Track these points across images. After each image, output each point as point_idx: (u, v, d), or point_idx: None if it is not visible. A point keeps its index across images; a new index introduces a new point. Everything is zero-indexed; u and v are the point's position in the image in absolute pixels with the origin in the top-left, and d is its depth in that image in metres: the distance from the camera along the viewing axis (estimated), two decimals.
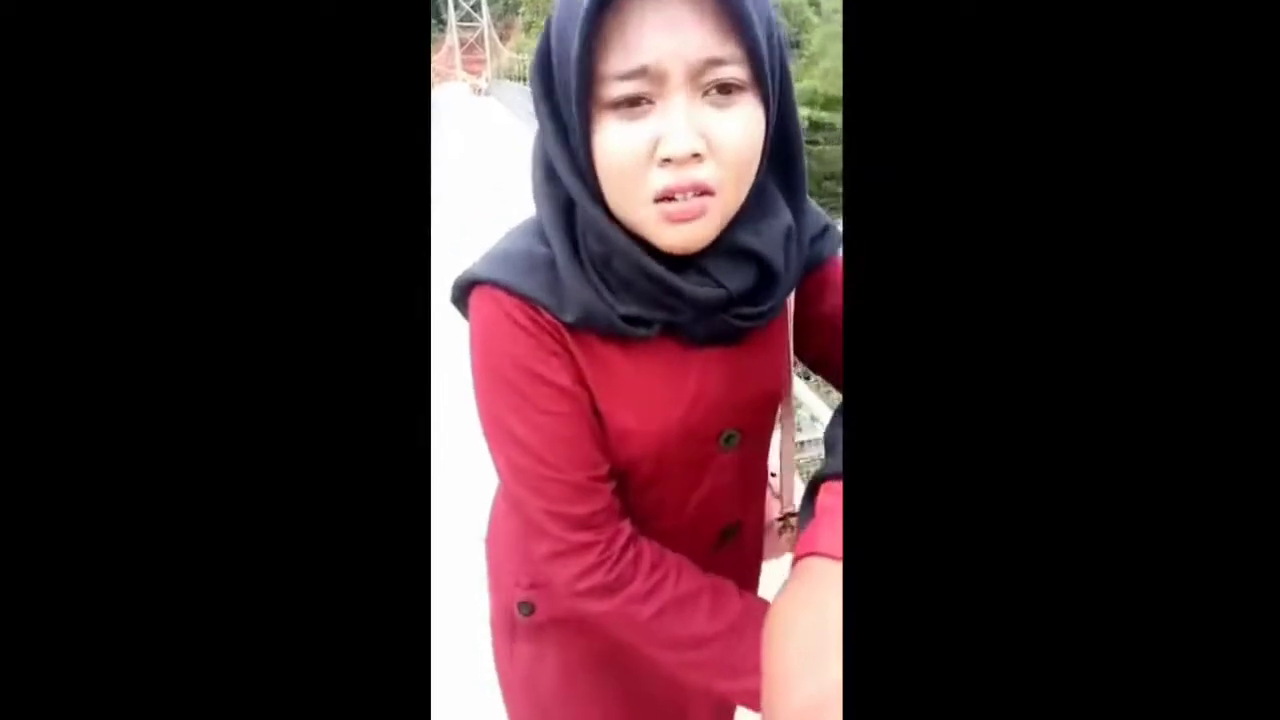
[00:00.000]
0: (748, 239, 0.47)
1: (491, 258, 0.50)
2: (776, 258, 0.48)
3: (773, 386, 0.55)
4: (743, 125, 0.41)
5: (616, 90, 0.40)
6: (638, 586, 0.51)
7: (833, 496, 0.37)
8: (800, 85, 9.50)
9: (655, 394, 0.51)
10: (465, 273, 0.50)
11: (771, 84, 0.42)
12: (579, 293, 0.47)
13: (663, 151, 0.40)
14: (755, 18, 0.39)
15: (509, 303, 0.48)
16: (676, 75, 0.40)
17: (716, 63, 0.40)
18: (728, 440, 0.55)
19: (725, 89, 0.41)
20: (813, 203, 0.56)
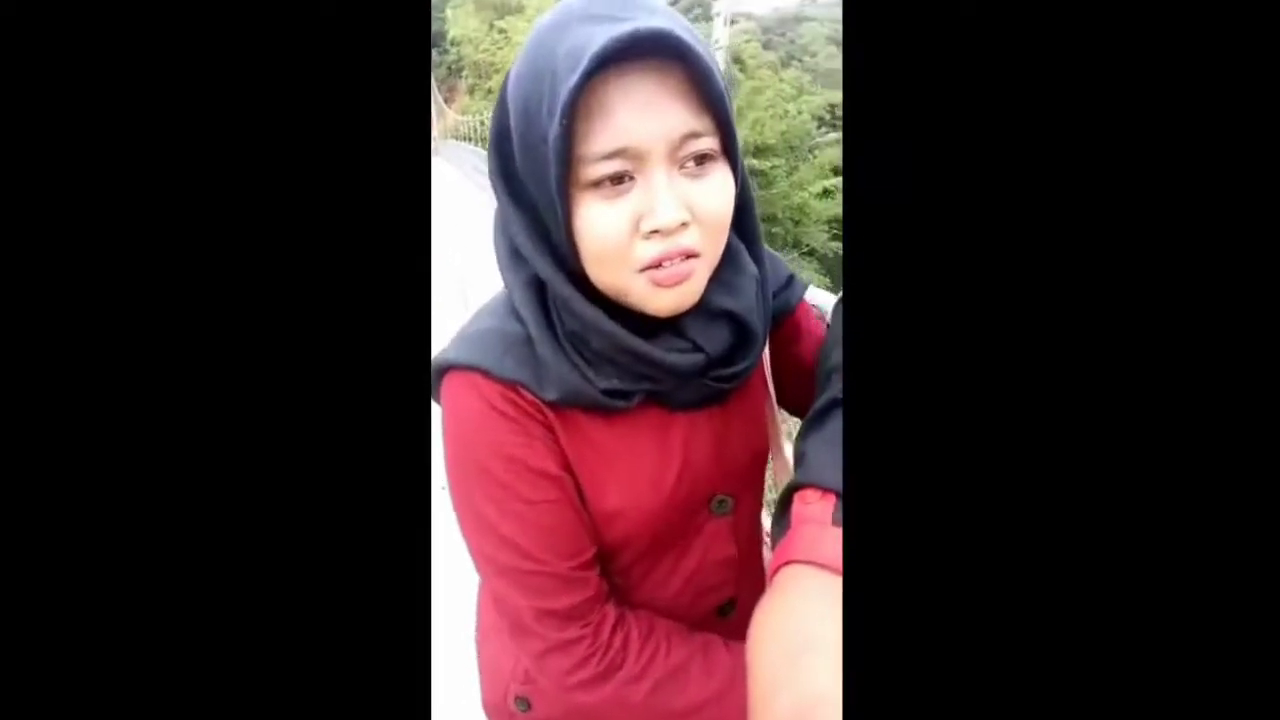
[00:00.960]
0: (722, 299, 0.47)
1: (464, 339, 0.48)
2: (752, 314, 0.49)
3: (759, 444, 0.55)
4: (719, 191, 0.43)
5: (597, 171, 0.40)
6: (630, 669, 0.49)
7: (806, 505, 0.37)
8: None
9: (642, 466, 0.50)
10: (438, 357, 0.48)
11: (736, 150, 0.43)
12: (558, 370, 0.45)
13: (650, 224, 0.41)
14: (725, 90, 0.40)
15: (488, 388, 0.46)
16: (656, 152, 0.40)
17: (694, 136, 0.41)
18: (719, 505, 0.54)
19: (700, 160, 0.42)
20: (772, 252, 0.57)
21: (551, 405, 0.47)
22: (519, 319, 0.47)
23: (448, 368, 0.47)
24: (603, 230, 0.41)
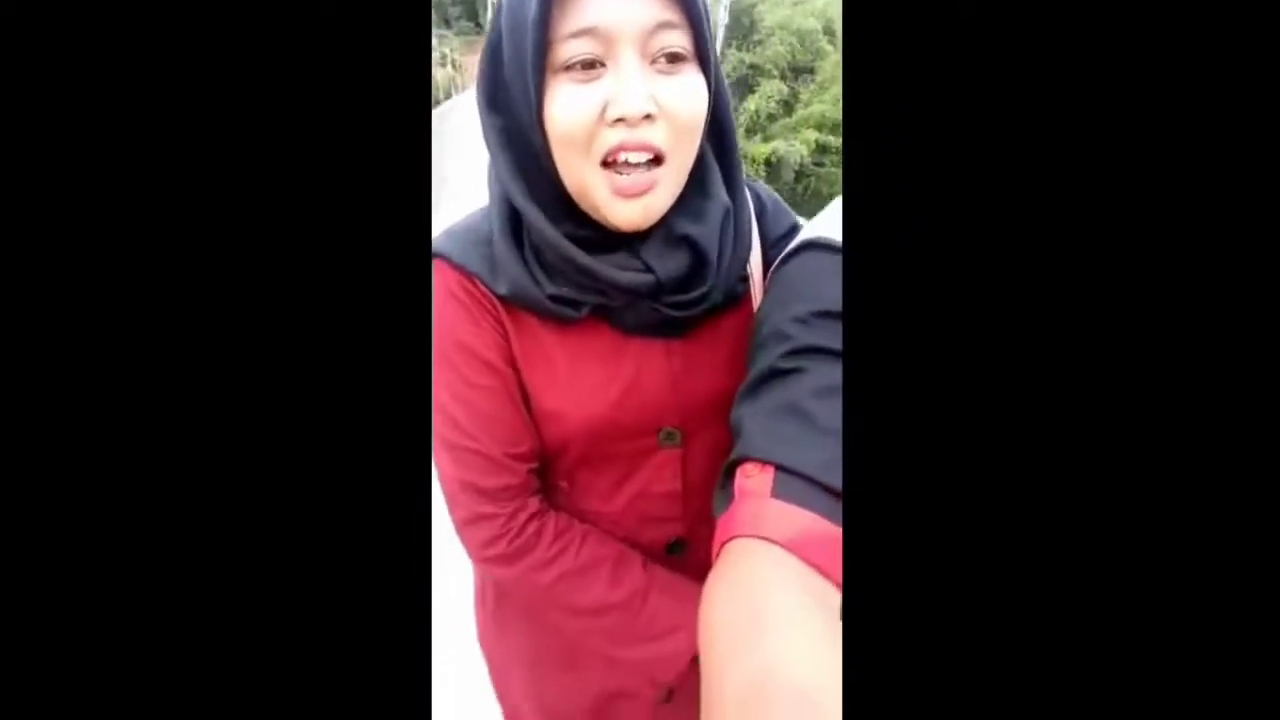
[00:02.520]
0: (683, 224, 0.47)
1: (447, 232, 0.52)
2: (711, 243, 0.47)
3: (722, 385, 0.51)
4: (691, 91, 0.42)
5: (568, 50, 0.40)
6: (538, 555, 0.52)
7: (747, 479, 0.37)
8: (810, 110, 9.69)
9: (585, 379, 0.51)
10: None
11: (712, 57, 0.44)
12: (510, 268, 0.47)
13: (614, 111, 0.41)
14: None
15: (449, 274, 0.49)
16: (626, 38, 0.40)
17: (665, 26, 0.41)
18: (667, 438, 0.54)
19: (672, 58, 0.42)
20: (781, 201, 0.58)
21: (504, 302, 0.50)
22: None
23: (433, 254, 0.51)
24: (570, 112, 0.41)
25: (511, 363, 0.51)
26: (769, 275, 0.50)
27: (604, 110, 0.41)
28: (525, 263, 0.48)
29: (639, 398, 0.52)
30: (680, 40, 0.42)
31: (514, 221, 0.48)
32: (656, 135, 0.42)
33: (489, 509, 0.53)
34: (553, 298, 0.48)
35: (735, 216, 0.50)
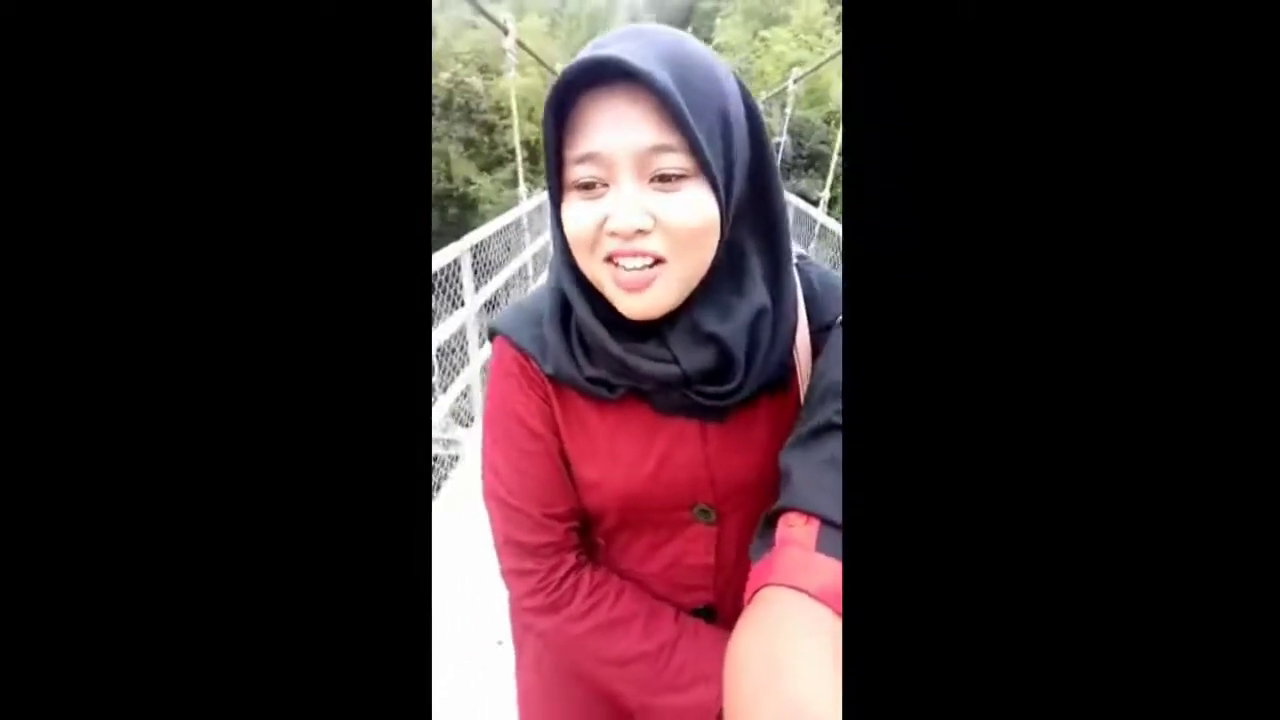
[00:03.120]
0: (710, 321, 0.49)
1: (509, 309, 0.59)
2: (737, 342, 0.49)
3: (757, 468, 0.54)
4: (686, 205, 0.45)
5: (575, 173, 0.46)
6: (574, 608, 0.56)
7: (790, 529, 0.37)
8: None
9: (621, 453, 0.55)
10: (490, 321, 0.60)
11: (723, 169, 0.45)
12: (556, 351, 0.53)
13: (610, 226, 0.45)
14: (695, 112, 0.43)
15: (508, 351, 0.56)
16: (624, 162, 0.44)
17: (661, 150, 0.43)
18: (702, 513, 0.56)
19: (669, 178, 0.44)
20: (836, 284, 0.59)
21: (551, 379, 0.55)
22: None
23: (492, 330, 0.59)
24: (576, 223, 0.47)
25: (556, 432, 0.57)
26: (830, 333, 0.54)
27: (603, 222, 0.46)
28: (569, 345, 0.53)
29: (673, 474, 0.55)
30: (677, 161, 0.44)
31: (564, 307, 0.54)
32: (652, 244, 0.46)
33: (529, 564, 0.57)
34: (590, 379, 0.52)
35: (774, 315, 0.52)
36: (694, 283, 0.49)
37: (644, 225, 0.45)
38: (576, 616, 0.56)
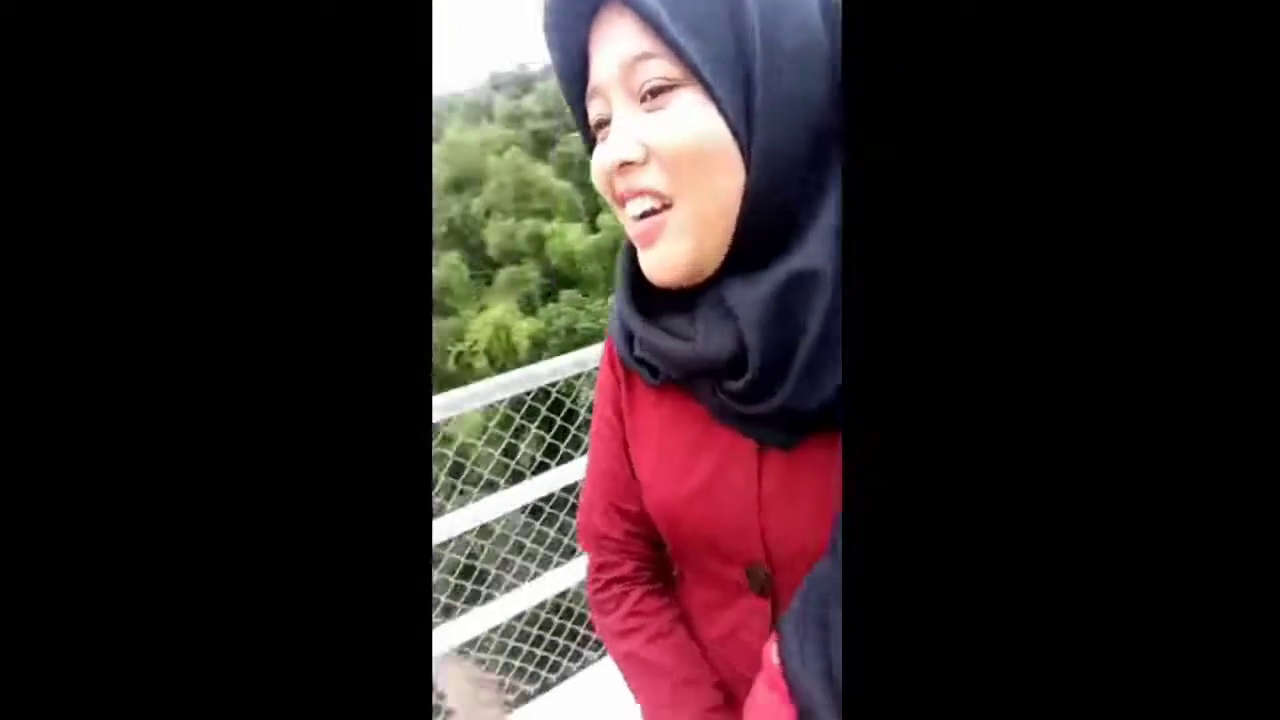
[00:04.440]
0: (732, 290, 0.38)
1: None
2: (750, 319, 0.37)
3: (823, 532, 0.38)
4: (676, 121, 0.37)
5: (590, 115, 0.41)
6: (612, 621, 0.52)
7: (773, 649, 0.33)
8: None
9: (668, 451, 0.46)
10: None
11: (727, 70, 0.36)
12: (614, 328, 0.48)
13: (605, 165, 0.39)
14: (669, 13, 0.36)
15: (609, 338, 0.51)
16: (612, 85, 0.38)
17: (642, 58, 0.37)
18: (754, 579, 0.44)
19: (656, 91, 0.37)
20: None
21: (621, 361, 0.49)
22: None
23: None
24: (593, 171, 0.41)
25: (623, 419, 0.51)
26: None
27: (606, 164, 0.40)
28: (623, 324, 0.46)
29: (719, 503, 0.43)
30: (660, 70, 0.37)
31: (632, 279, 0.46)
32: (648, 178, 0.38)
33: (593, 554, 0.56)
34: (636, 358, 0.46)
35: (813, 284, 0.37)
36: (719, 233, 0.38)
37: (630, 155, 0.38)
38: (613, 632, 0.52)
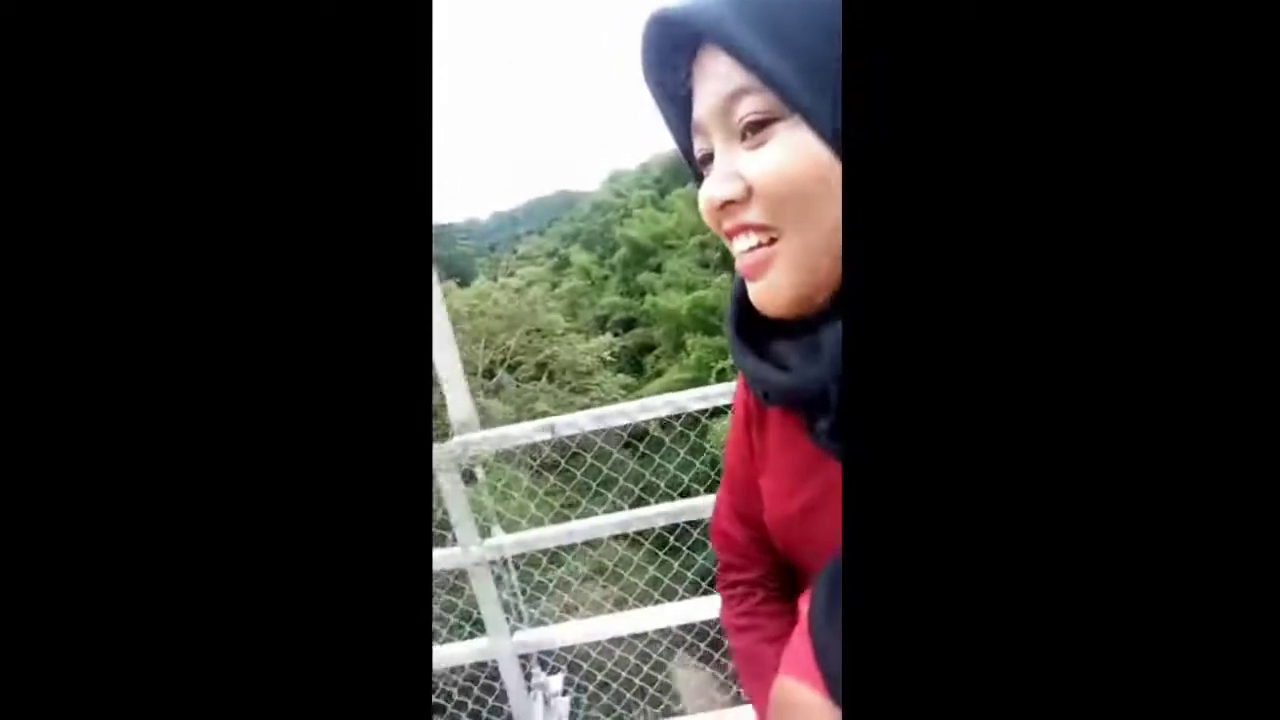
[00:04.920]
0: (827, 323, 0.39)
1: None
2: (838, 355, 0.38)
3: None
4: (775, 157, 0.38)
5: (695, 151, 0.43)
6: (731, 618, 0.56)
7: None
8: None
9: (779, 468, 0.49)
10: None
11: (822, 100, 0.36)
12: (733, 350, 0.48)
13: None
14: (772, 34, 0.36)
15: None
16: (713, 124, 0.39)
17: (739, 94, 0.38)
18: None
19: (756, 126, 0.38)
20: None
21: None
22: None
23: None
24: (700, 206, 0.42)
25: (750, 430, 0.52)
26: None
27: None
28: (739, 345, 0.47)
29: (817, 527, 0.46)
30: (758, 105, 0.37)
31: (739, 307, 0.48)
32: (751, 215, 0.39)
33: (718, 546, 0.59)
34: (750, 379, 0.45)
35: None
36: (831, 262, 0.38)
37: (729, 194, 0.39)
38: (732, 626, 0.55)
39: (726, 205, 0.40)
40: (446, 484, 1.27)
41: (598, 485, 1.91)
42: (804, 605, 0.36)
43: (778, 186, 0.38)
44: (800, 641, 0.35)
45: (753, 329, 0.45)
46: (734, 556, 0.57)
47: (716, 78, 0.38)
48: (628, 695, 1.98)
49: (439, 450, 1.25)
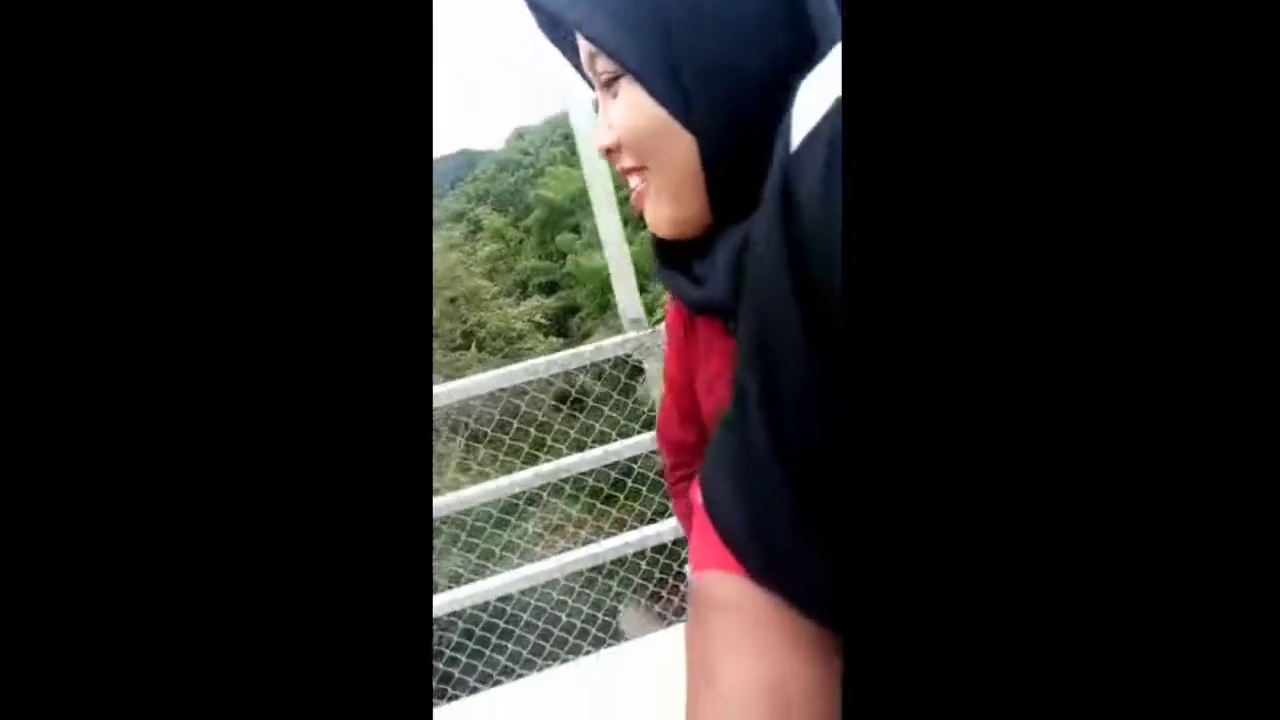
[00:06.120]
0: (720, 247, 0.43)
1: None
2: (730, 268, 0.42)
3: None
4: (624, 105, 0.42)
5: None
6: (680, 508, 0.62)
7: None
8: None
9: (711, 374, 0.51)
10: None
11: (649, 60, 0.40)
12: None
13: None
14: (596, 16, 0.39)
15: None
16: (590, 75, 0.44)
17: (593, 55, 0.42)
18: None
19: (608, 83, 0.43)
20: None
21: None
22: None
23: None
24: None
25: (687, 335, 0.55)
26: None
27: None
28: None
29: None
30: (604, 64, 0.42)
31: None
32: (626, 160, 0.45)
33: (666, 450, 0.62)
34: (674, 293, 0.50)
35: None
36: (694, 193, 0.42)
37: (605, 141, 0.44)
38: (684, 515, 0.60)
39: (609, 152, 0.44)
40: None
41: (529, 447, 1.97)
42: (695, 495, 0.37)
43: (627, 136, 0.43)
44: (701, 526, 0.36)
45: (673, 253, 0.48)
46: (684, 456, 0.61)
47: (581, 40, 0.43)
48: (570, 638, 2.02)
49: None
